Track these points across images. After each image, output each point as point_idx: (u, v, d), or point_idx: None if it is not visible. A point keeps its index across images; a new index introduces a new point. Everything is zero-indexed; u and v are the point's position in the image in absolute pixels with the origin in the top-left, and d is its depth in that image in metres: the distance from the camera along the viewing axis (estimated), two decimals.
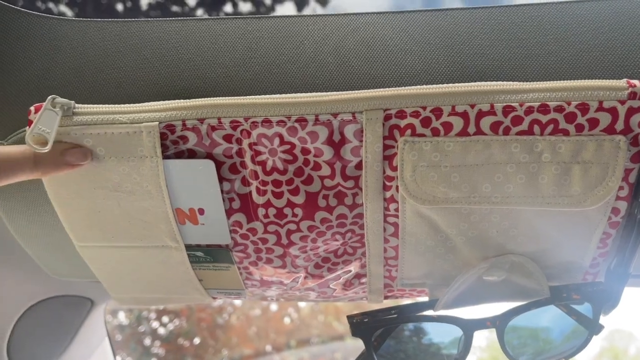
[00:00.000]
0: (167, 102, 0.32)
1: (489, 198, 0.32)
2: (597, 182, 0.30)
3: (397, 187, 0.33)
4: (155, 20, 0.35)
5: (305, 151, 0.32)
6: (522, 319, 0.37)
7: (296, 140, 0.32)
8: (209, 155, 0.33)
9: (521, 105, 0.29)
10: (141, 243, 0.38)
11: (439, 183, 0.32)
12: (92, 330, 0.59)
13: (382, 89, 0.31)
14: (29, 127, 0.30)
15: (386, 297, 0.43)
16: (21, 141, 0.34)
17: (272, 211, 0.35)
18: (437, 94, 0.30)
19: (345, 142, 0.32)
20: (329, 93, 0.31)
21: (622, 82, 0.29)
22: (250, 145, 0.32)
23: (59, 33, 0.35)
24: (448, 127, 0.30)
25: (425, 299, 0.40)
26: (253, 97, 0.31)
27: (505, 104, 0.29)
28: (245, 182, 0.34)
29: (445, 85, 0.30)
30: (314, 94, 0.31)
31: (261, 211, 0.35)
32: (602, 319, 0.38)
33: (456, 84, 0.30)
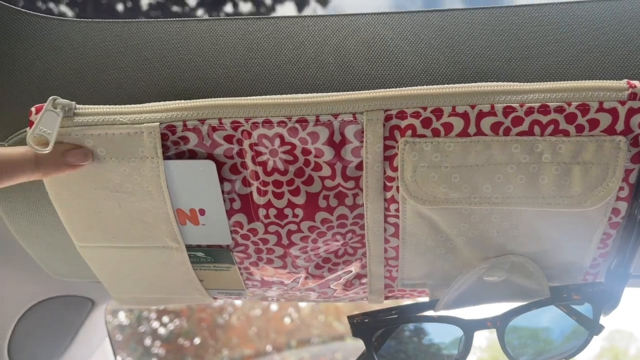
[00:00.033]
0: (167, 102, 0.32)
1: (490, 198, 0.32)
2: (597, 182, 0.30)
3: (397, 187, 0.33)
4: (156, 21, 0.35)
5: (306, 152, 0.32)
6: (522, 320, 0.38)
7: (297, 140, 0.32)
8: (210, 156, 0.33)
9: (521, 106, 0.29)
10: (142, 243, 0.38)
11: (439, 183, 0.32)
12: (93, 331, 0.59)
13: (382, 90, 0.31)
14: (30, 128, 0.31)
15: (387, 298, 0.43)
16: (22, 142, 0.34)
17: (272, 212, 0.35)
18: (438, 95, 0.30)
19: (346, 143, 0.32)
20: (329, 94, 0.31)
21: (623, 83, 0.29)
22: (251, 146, 0.32)
23: (59, 34, 0.35)
24: (448, 127, 0.30)
25: (425, 299, 0.40)
26: (254, 97, 0.32)
27: (505, 105, 0.29)
28: (246, 183, 0.35)
29: (445, 85, 0.30)
30: (314, 94, 0.31)
31: (262, 212, 0.35)
32: (603, 320, 0.38)
33: (456, 85, 0.30)
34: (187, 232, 0.37)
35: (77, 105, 0.32)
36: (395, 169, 0.32)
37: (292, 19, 0.35)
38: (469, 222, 0.34)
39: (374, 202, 0.34)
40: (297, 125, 0.31)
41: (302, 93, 0.33)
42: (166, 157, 0.33)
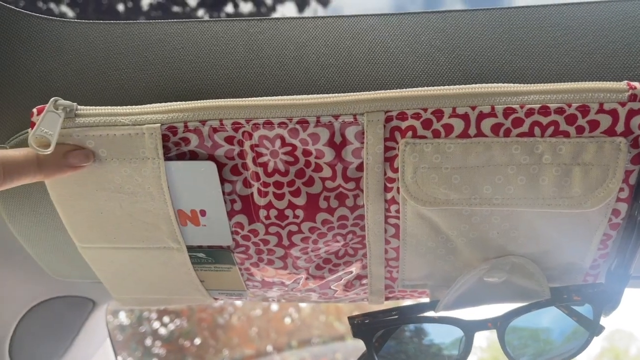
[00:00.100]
0: (169, 104, 0.32)
1: (490, 200, 0.32)
2: (597, 183, 0.30)
3: (398, 188, 0.33)
4: (157, 22, 0.35)
5: (306, 153, 0.32)
6: (522, 320, 0.38)
7: (297, 142, 0.32)
8: (211, 157, 0.33)
9: (522, 107, 0.29)
10: (143, 244, 0.38)
11: (439, 185, 0.32)
12: (94, 331, 0.59)
13: (383, 91, 0.31)
14: (32, 129, 0.31)
15: (387, 298, 0.43)
16: (23, 143, 0.34)
17: (273, 212, 0.35)
18: (438, 96, 0.30)
19: (347, 144, 0.32)
20: (330, 95, 0.31)
21: (623, 84, 0.29)
22: (251, 147, 0.33)
23: (61, 35, 0.35)
24: (449, 128, 0.30)
25: (426, 300, 0.40)
26: (254, 98, 0.32)
27: (506, 106, 0.29)
28: (246, 184, 0.35)
29: (446, 87, 0.30)
30: (315, 95, 0.31)
31: (262, 212, 0.35)
32: (603, 320, 0.38)
33: (457, 86, 0.30)
34: (188, 233, 0.37)
35: (79, 107, 0.32)
36: (395, 170, 0.32)
37: (292, 20, 0.35)
38: (470, 223, 0.34)
39: (374, 203, 0.34)
40: (297, 126, 0.31)
41: (302, 94, 0.33)
42: (167, 158, 0.33)
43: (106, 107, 0.32)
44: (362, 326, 0.38)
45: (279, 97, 0.31)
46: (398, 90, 0.31)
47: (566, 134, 0.30)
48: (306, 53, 0.34)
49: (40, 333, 0.53)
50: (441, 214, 0.34)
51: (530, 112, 0.29)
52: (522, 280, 0.37)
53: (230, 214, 0.36)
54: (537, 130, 0.30)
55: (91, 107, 0.32)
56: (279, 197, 0.34)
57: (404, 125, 0.31)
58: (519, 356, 0.39)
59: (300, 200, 0.34)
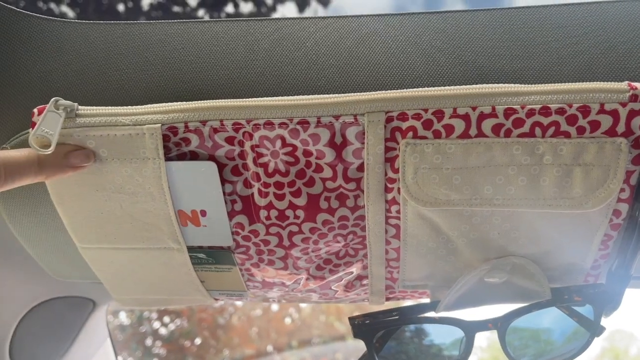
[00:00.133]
0: (169, 104, 0.32)
1: (491, 200, 0.32)
2: (598, 184, 0.30)
3: (398, 189, 0.33)
4: (158, 23, 0.35)
5: (307, 153, 0.32)
6: (523, 321, 0.38)
7: (298, 142, 0.32)
8: (211, 158, 0.33)
9: (522, 108, 0.29)
10: (143, 245, 0.38)
11: (440, 185, 0.32)
12: (94, 331, 0.59)
13: (383, 91, 0.31)
14: (32, 129, 0.31)
15: (388, 299, 0.43)
16: (24, 143, 0.34)
17: (274, 213, 0.35)
18: (439, 96, 0.30)
19: (347, 144, 0.32)
20: (330, 95, 0.31)
21: (624, 85, 0.29)
22: (252, 148, 0.32)
23: (61, 35, 0.35)
24: (449, 129, 0.30)
25: (426, 300, 0.40)
26: (255, 99, 0.32)
27: (506, 107, 0.29)
28: (247, 184, 0.35)
29: (446, 87, 0.30)
30: (315, 96, 0.31)
31: (263, 213, 0.35)
32: (604, 321, 0.38)
33: (458, 87, 0.30)
34: (189, 234, 0.37)
35: (79, 107, 0.32)
36: (396, 171, 0.32)
37: (293, 20, 0.35)
38: (470, 223, 0.34)
39: (375, 204, 0.34)
40: (298, 126, 0.31)
41: (303, 94, 0.33)
42: (168, 158, 0.33)
43: (107, 107, 0.32)
44: (362, 327, 0.38)
45: (280, 98, 0.31)
46: (399, 90, 0.31)
47: (567, 135, 0.30)
48: (307, 53, 0.34)
49: (40, 333, 0.53)
50: (442, 215, 0.34)
51: (531, 113, 0.29)
52: (523, 281, 0.37)
53: (231, 215, 0.36)
54: (538, 130, 0.30)
55: (92, 107, 0.32)
56: (280, 197, 0.34)
57: (404, 125, 0.31)
58: (519, 357, 0.39)
59: (301, 201, 0.34)
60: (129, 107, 0.32)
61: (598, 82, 0.29)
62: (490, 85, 0.30)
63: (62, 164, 0.32)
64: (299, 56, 0.34)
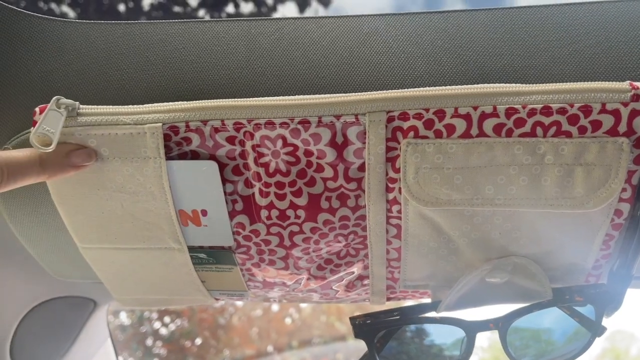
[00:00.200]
0: (170, 103, 0.32)
1: (492, 200, 0.32)
2: (599, 184, 0.30)
3: (399, 189, 0.33)
4: (158, 23, 0.35)
5: (308, 153, 0.32)
6: (524, 321, 0.37)
7: (299, 142, 0.32)
8: (212, 157, 0.33)
9: (524, 108, 0.29)
10: (144, 245, 0.38)
11: (441, 185, 0.32)
12: (95, 331, 0.59)
13: (384, 91, 0.31)
14: (34, 127, 0.31)
15: (389, 299, 0.43)
16: (25, 143, 0.34)
17: (274, 213, 0.35)
18: (440, 96, 0.30)
19: (348, 144, 0.32)
20: (331, 95, 0.31)
21: (625, 85, 0.29)
22: (253, 147, 0.32)
23: (62, 35, 0.35)
24: (451, 129, 0.30)
25: (427, 300, 0.40)
26: (256, 99, 0.32)
27: (508, 106, 0.29)
28: (248, 184, 0.35)
29: (448, 87, 0.30)
30: (316, 95, 0.31)
31: (264, 213, 0.35)
32: (605, 321, 0.38)
33: (459, 86, 0.30)
34: (189, 233, 0.37)
35: (81, 106, 0.32)
36: (397, 171, 0.32)
37: (293, 20, 0.35)
38: (471, 223, 0.34)
39: (376, 204, 0.34)
40: (299, 126, 0.31)
41: (304, 94, 0.33)
42: (169, 158, 0.33)
43: (108, 107, 0.32)
44: (363, 327, 0.38)
45: (281, 97, 0.31)
46: (400, 90, 0.31)
47: (568, 134, 0.30)
48: (307, 53, 0.34)
49: (41, 333, 0.53)
50: (443, 215, 0.33)
51: (532, 112, 0.29)
52: (524, 281, 0.37)
53: (232, 214, 0.36)
54: (539, 130, 0.30)
55: (93, 106, 0.32)
56: (281, 197, 0.34)
57: (405, 125, 0.31)
58: (520, 357, 0.39)
59: (302, 201, 0.34)
60: (130, 106, 0.32)
61: (599, 82, 0.29)
62: (492, 85, 0.30)
63: (64, 164, 0.32)
64: (300, 56, 0.34)
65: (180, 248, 0.38)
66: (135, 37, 0.35)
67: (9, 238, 0.42)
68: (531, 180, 0.31)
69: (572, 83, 0.29)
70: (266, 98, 0.31)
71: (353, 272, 0.40)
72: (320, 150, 0.32)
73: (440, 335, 0.40)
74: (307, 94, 0.32)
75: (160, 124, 0.32)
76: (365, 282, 0.41)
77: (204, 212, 0.36)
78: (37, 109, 0.32)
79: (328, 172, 0.33)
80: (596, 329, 0.38)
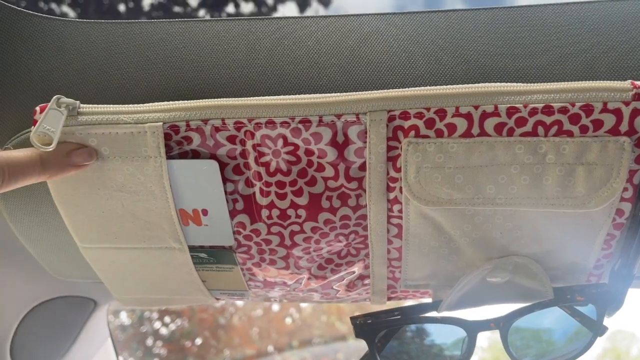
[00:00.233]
0: (171, 102, 0.32)
1: (493, 199, 0.32)
2: (601, 183, 0.30)
3: (400, 188, 0.33)
4: (159, 22, 0.35)
5: (309, 152, 0.32)
6: (525, 321, 0.37)
7: (300, 141, 0.32)
8: (213, 156, 0.33)
9: (525, 107, 0.29)
10: (144, 244, 0.38)
11: (442, 184, 0.32)
12: (95, 331, 0.59)
13: (385, 90, 0.31)
14: (34, 126, 0.31)
15: (389, 299, 0.43)
16: (25, 142, 0.34)
17: (275, 212, 0.35)
18: (441, 95, 0.30)
19: (349, 144, 0.32)
20: (332, 94, 0.31)
21: (627, 84, 0.29)
22: (254, 147, 0.32)
23: (62, 34, 0.35)
24: (452, 128, 0.30)
25: (428, 300, 0.40)
26: (257, 98, 0.32)
27: (509, 105, 0.29)
28: (248, 183, 0.34)
29: (449, 86, 0.30)
30: (317, 95, 0.31)
31: (265, 212, 0.35)
32: (606, 321, 0.38)
33: (460, 85, 0.30)
34: (190, 233, 0.37)
35: (81, 105, 0.32)
36: (398, 170, 0.32)
37: (294, 19, 0.35)
38: (473, 222, 0.34)
39: (377, 203, 0.34)
40: (300, 125, 0.31)
41: (304, 93, 0.33)
42: (169, 157, 0.33)
43: (109, 106, 0.32)
44: (364, 326, 0.38)
45: (281, 97, 0.31)
46: (401, 89, 0.31)
47: (570, 134, 0.30)
48: (308, 52, 0.34)
49: (41, 333, 0.53)
50: (444, 214, 0.33)
51: (533, 112, 0.29)
52: (525, 281, 0.37)
53: (232, 214, 0.36)
54: (540, 129, 0.30)
55: (94, 105, 0.32)
56: (281, 196, 0.34)
57: (406, 124, 0.31)
58: (522, 357, 0.39)
59: (303, 200, 0.34)
60: (131, 105, 0.32)
61: (601, 81, 0.29)
62: (493, 84, 0.30)
63: (64, 163, 0.32)
64: (301, 55, 0.34)
65: (180, 247, 0.38)
66: (135, 36, 0.35)
67: (9, 238, 0.42)
68: (532, 180, 0.31)
69: (573, 82, 0.29)
70: (267, 97, 0.31)
71: (354, 272, 0.40)
72: (321, 150, 0.32)
73: (441, 335, 0.40)
74: (308, 93, 0.32)
75: (161, 123, 0.32)
76: (366, 281, 0.41)
77: (205, 212, 0.36)
78: (37, 108, 0.31)
79: (329, 172, 0.33)
80: (597, 329, 0.38)
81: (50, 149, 0.30)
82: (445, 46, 0.33)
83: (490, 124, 0.30)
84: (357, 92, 0.31)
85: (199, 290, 0.43)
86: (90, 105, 0.32)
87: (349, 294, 0.42)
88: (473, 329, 0.38)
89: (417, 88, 0.30)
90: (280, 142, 0.32)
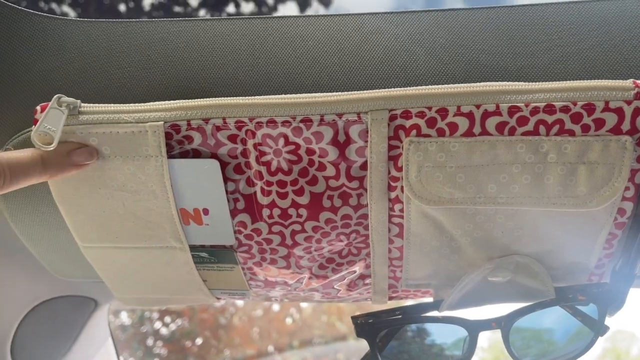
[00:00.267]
0: (172, 102, 0.32)
1: (495, 199, 0.32)
2: (603, 182, 0.30)
3: (402, 187, 0.33)
4: (160, 21, 0.35)
5: (310, 152, 0.32)
6: (527, 320, 0.37)
7: (301, 140, 0.32)
8: (214, 156, 0.33)
9: (527, 106, 0.29)
10: (145, 244, 0.38)
11: (444, 183, 0.32)
12: (96, 331, 0.59)
13: (387, 90, 0.31)
14: (35, 126, 0.30)
15: (390, 298, 0.43)
16: (26, 141, 0.34)
17: (276, 212, 0.35)
18: (443, 95, 0.30)
19: (350, 143, 0.32)
20: (333, 93, 0.31)
21: (629, 83, 0.29)
22: (255, 146, 0.32)
23: (62, 34, 0.35)
24: (453, 127, 0.30)
25: (429, 299, 0.40)
26: (258, 97, 0.31)
27: (510, 105, 0.29)
28: (249, 183, 0.34)
29: (450, 85, 0.30)
30: (318, 94, 0.31)
31: (266, 212, 0.35)
32: (607, 320, 0.38)
33: (462, 85, 0.30)
34: (191, 232, 0.37)
35: (82, 104, 0.32)
36: (399, 169, 0.32)
37: (295, 18, 0.35)
38: (474, 222, 0.34)
39: (378, 202, 0.34)
40: (301, 124, 0.31)
41: (306, 93, 0.33)
42: (170, 156, 0.33)
43: (109, 105, 0.32)
44: (365, 326, 0.38)
45: (283, 96, 0.31)
46: (402, 88, 0.30)
47: (571, 133, 0.30)
48: (309, 52, 0.34)
49: (42, 333, 0.53)
50: (445, 213, 0.33)
51: (535, 111, 0.29)
52: (527, 280, 0.37)
53: (233, 213, 0.36)
54: (542, 128, 0.30)
55: (94, 105, 0.32)
56: (282, 196, 0.34)
57: (408, 123, 0.31)
58: (523, 356, 0.39)
59: (304, 199, 0.34)
60: (132, 104, 0.32)
61: (603, 80, 0.29)
62: (494, 83, 0.30)
63: (65, 163, 0.32)
64: (302, 54, 0.34)
65: (181, 247, 0.38)
66: (136, 36, 0.35)
67: (10, 237, 0.42)
68: (534, 179, 0.31)
69: (575, 81, 0.29)
70: (268, 96, 0.31)
71: (355, 271, 0.40)
72: (322, 149, 0.32)
73: (443, 335, 0.40)
74: (309, 92, 0.32)
75: (162, 123, 0.32)
76: (367, 281, 0.41)
77: (206, 211, 0.36)
78: (38, 108, 0.31)
79: (330, 171, 0.33)
80: (599, 328, 0.38)
81: (51, 149, 0.30)
82: (446, 45, 0.33)
83: (491, 123, 0.30)
84: (358, 92, 0.31)
85: (199, 289, 0.43)
86: (91, 105, 0.32)
87: (350, 293, 0.42)
88: (474, 328, 0.37)
89: (418, 87, 0.30)
90: (281, 141, 0.32)
